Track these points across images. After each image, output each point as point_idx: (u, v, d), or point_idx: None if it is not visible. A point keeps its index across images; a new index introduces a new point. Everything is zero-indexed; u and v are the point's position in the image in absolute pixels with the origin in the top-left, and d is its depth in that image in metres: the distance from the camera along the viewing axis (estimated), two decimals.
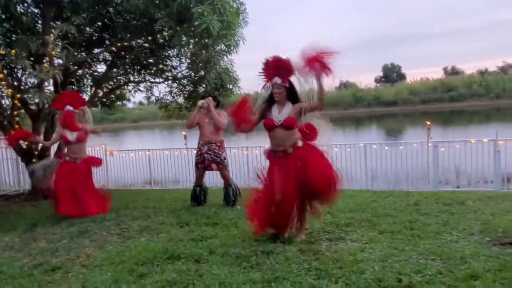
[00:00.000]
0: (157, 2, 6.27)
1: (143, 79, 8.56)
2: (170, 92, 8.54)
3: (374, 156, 7.53)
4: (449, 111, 37.70)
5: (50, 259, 3.36)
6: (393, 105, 44.52)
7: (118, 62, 7.67)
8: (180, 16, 6.40)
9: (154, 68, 8.05)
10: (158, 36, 7.17)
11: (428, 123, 7.45)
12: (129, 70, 8.18)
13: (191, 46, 7.13)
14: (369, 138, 19.06)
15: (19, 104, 6.46)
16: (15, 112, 6.36)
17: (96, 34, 7.78)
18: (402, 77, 60.52)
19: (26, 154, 6.97)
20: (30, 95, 7.37)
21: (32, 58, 6.12)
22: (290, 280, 2.67)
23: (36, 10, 7.06)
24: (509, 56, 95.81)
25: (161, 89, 8.58)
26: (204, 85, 7.72)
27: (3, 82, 6.09)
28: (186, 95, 8.41)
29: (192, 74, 7.98)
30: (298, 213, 3.56)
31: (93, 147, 7.89)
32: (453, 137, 14.71)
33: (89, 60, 7.98)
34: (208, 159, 5.02)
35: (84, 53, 7.78)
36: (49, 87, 6.77)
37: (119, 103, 9.53)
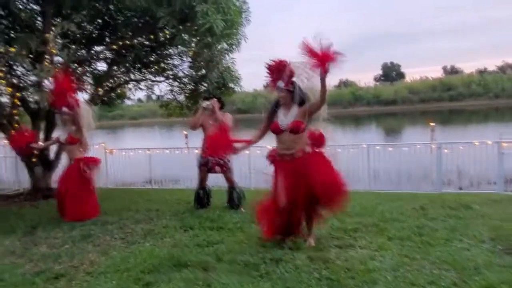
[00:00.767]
0: (160, 0, 6.17)
1: (143, 78, 8.46)
2: (171, 90, 8.44)
3: (377, 156, 7.47)
4: (448, 110, 37.76)
5: (53, 265, 3.28)
6: (392, 104, 44.58)
7: (119, 60, 7.56)
8: (182, 14, 6.31)
9: (155, 67, 7.94)
10: (160, 34, 7.07)
11: (432, 124, 7.39)
12: (129, 68, 8.08)
13: (193, 45, 7.05)
14: (369, 137, 19.02)
15: (18, 102, 6.34)
16: (15, 111, 6.24)
17: (96, 32, 7.66)
18: (401, 75, 60.62)
19: (25, 152, 6.86)
20: (30, 93, 7.30)
21: (31, 56, 6.02)
22: None
23: (35, 7, 6.94)
24: (509, 55, 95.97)
25: (162, 88, 8.49)
26: (206, 84, 7.63)
27: (3, 81, 5.96)
28: (187, 94, 8.31)
29: (194, 72, 7.88)
30: (306, 219, 3.50)
31: (92, 145, 7.78)
32: (454, 136, 14.70)
33: (89, 58, 7.86)
34: (212, 161, 4.94)
35: (84, 51, 7.66)
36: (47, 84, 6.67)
37: (119, 101, 9.42)
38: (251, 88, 48.25)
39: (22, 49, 5.62)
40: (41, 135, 7.05)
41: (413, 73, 72.98)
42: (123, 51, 7.29)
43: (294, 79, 3.41)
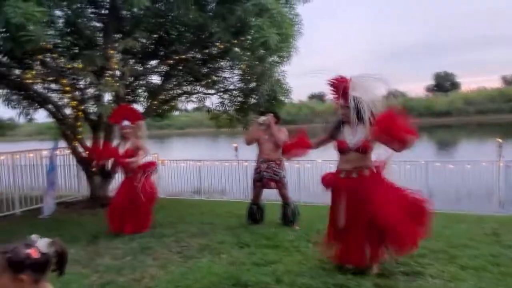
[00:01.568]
0: (215, 15, 6.29)
1: (195, 91, 8.64)
2: (222, 103, 8.54)
3: (437, 173, 7.04)
4: (508, 123, 35.14)
5: (117, 278, 3.35)
6: (446, 115, 42.16)
7: (172, 73, 7.79)
8: (236, 28, 6.38)
9: (207, 80, 8.09)
10: (212, 48, 7.20)
11: (500, 140, 6.85)
12: (182, 81, 8.29)
13: (245, 58, 7.09)
14: (420, 151, 18.09)
15: (82, 115, 6.69)
16: (79, 124, 6.59)
17: (152, 46, 7.96)
18: (456, 86, 57.40)
19: (85, 162, 7.21)
20: (89, 105, 7.71)
21: (94, 71, 6.35)
22: None
23: (98, 24, 7.35)
24: None
25: (213, 100, 8.61)
26: (256, 97, 7.63)
27: (69, 95, 6.34)
28: (237, 107, 8.36)
29: (244, 85, 7.92)
30: (370, 244, 3.30)
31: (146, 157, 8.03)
32: None
33: (144, 72, 8.17)
34: (267, 177, 4.88)
35: (139, 65, 7.97)
36: (107, 98, 6.99)
37: (171, 113, 9.69)
38: (296, 99, 48.01)
39: (87, 65, 5.94)
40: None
41: (469, 83, 68.85)
42: (177, 65, 7.51)
43: (357, 96, 3.27)
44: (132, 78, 7.95)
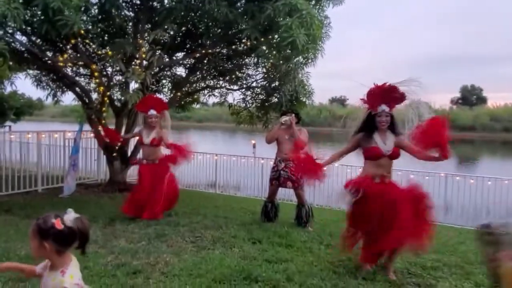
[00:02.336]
0: (245, 12, 6.33)
1: (218, 85, 8.72)
2: (244, 99, 8.59)
3: (456, 187, 6.91)
4: None
5: (131, 260, 3.44)
6: (470, 130, 40.94)
7: (198, 67, 7.88)
8: (265, 27, 6.41)
9: (233, 76, 8.15)
10: (239, 44, 7.25)
11: None
12: (206, 75, 8.38)
13: (271, 57, 7.11)
14: (440, 164, 17.73)
15: (108, 101, 6.85)
16: (104, 109, 6.75)
17: (179, 39, 8.06)
18: (482, 100, 55.71)
19: (108, 147, 7.40)
20: (115, 92, 7.90)
21: (123, 59, 6.49)
22: None
23: (129, 13, 7.50)
24: None
25: (235, 96, 8.67)
26: (278, 96, 7.65)
27: (97, 80, 6.51)
28: (258, 104, 8.40)
29: (267, 84, 7.95)
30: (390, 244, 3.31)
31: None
32: None
33: (171, 63, 8.30)
34: (284, 176, 4.90)
35: (166, 56, 8.10)
36: (133, 86, 7.14)
37: (193, 105, 9.81)
38: (317, 101, 47.76)
39: (117, 53, 6.09)
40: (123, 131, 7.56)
41: (495, 98, 66.60)
42: (202, 59, 7.60)
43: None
44: (158, 68, 8.10)
